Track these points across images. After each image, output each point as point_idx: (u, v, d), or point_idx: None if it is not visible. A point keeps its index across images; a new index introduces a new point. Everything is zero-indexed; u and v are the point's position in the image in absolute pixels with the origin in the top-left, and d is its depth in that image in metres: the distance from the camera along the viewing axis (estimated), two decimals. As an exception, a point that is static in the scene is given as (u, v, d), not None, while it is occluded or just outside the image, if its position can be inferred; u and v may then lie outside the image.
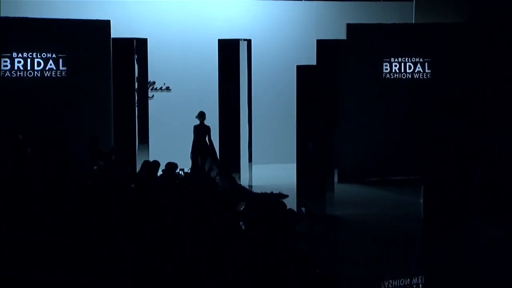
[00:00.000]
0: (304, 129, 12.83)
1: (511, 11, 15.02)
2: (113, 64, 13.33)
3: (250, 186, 13.78)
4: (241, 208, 7.42)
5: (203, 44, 15.59)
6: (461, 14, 15.38)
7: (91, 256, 7.29)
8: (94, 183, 8.63)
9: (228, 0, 16.15)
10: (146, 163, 9.98)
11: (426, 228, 10.52)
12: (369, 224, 11.24)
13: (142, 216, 7.62)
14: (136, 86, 13.59)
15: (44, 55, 12.96)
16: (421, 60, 14.77)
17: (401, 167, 14.40)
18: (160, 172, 9.63)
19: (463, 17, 15.34)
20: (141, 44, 13.63)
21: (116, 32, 13.57)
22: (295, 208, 9.30)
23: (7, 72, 12.78)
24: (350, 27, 14.56)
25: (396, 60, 14.72)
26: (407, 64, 14.75)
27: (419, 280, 9.06)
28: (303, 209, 7.29)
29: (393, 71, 14.73)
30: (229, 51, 13.87)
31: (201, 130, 13.08)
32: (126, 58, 13.45)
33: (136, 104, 13.55)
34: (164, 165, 9.68)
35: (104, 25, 13.28)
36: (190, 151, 12.99)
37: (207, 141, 13.14)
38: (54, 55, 13.00)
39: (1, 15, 13.82)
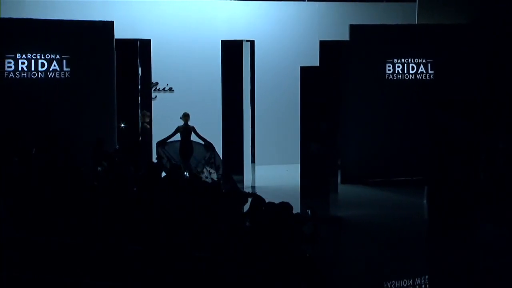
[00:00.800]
0: (307, 130, 12.84)
1: (514, 12, 15.03)
2: (116, 65, 13.35)
3: (253, 187, 13.80)
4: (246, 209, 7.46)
5: (206, 45, 15.62)
6: (464, 15, 15.39)
7: (95, 257, 7.31)
8: (98, 184, 8.65)
9: (231, 1, 16.18)
10: (150, 164, 10.01)
11: (431, 229, 10.51)
12: (373, 225, 11.24)
13: (145, 218, 7.63)
14: (139, 87, 13.61)
15: (48, 56, 12.98)
16: (424, 61, 14.78)
17: (403, 168, 14.40)
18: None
19: (466, 18, 15.35)
20: (144, 45, 13.66)
21: (120, 33, 13.60)
22: (298, 209, 9.32)
23: (11, 73, 12.80)
24: (353, 28, 14.57)
25: (399, 61, 14.73)
26: (410, 65, 14.76)
27: (425, 281, 9.07)
28: (308, 211, 7.30)
29: (396, 72, 14.74)
30: (232, 52, 13.89)
31: (185, 130, 13.19)
32: (129, 59, 13.47)
33: (140, 105, 13.57)
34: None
35: (107, 26, 13.29)
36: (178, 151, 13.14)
37: (199, 138, 13.26)
38: (57, 56, 13.02)
39: (5, 16, 13.85)
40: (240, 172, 13.87)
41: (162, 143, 13.11)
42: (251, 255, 6.41)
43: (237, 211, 7.16)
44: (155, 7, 15.74)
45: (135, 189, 8.81)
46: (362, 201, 12.92)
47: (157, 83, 15.53)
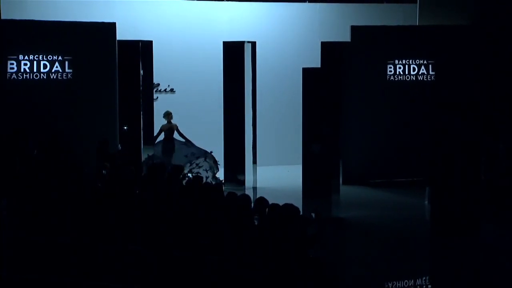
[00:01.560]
0: (309, 131, 12.87)
1: (515, 13, 15.05)
2: (118, 66, 13.37)
3: (255, 188, 13.83)
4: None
5: (208, 46, 15.64)
6: (465, 16, 15.41)
7: (97, 258, 7.32)
8: (103, 186, 8.67)
9: (233, 2, 16.20)
10: (152, 165, 10.01)
11: (433, 230, 10.53)
12: (374, 225, 11.27)
13: (148, 219, 7.65)
14: (141, 88, 13.63)
15: (50, 57, 13.00)
16: (425, 62, 14.81)
17: (405, 169, 14.43)
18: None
19: (467, 19, 15.37)
20: (146, 46, 13.67)
21: (122, 34, 13.62)
22: (300, 210, 9.33)
23: (14, 74, 12.82)
24: (354, 29, 14.60)
25: (400, 62, 14.76)
26: (411, 66, 14.78)
27: (427, 282, 9.09)
28: (313, 214, 7.32)
29: (397, 73, 14.76)
30: (234, 53, 13.92)
31: (169, 129, 13.42)
32: (131, 60, 13.50)
33: (141, 106, 13.60)
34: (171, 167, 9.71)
35: (109, 28, 13.30)
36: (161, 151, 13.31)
37: (180, 136, 13.48)
38: (60, 58, 13.04)
39: (7, 18, 13.87)
40: (242, 173, 13.90)
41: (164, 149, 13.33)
42: (260, 255, 6.42)
43: (245, 211, 7.16)
44: (157, 8, 15.76)
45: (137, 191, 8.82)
46: (364, 202, 12.95)
47: (158, 84, 15.55)
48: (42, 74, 12.97)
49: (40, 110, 12.87)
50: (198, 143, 13.66)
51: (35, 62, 12.92)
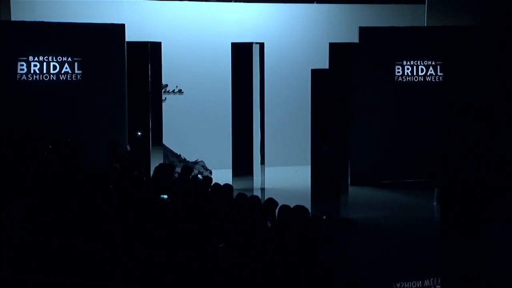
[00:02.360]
0: (318, 132, 12.88)
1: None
2: (127, 67, 13.42)
3: (263, 188, 13.85)
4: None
5: (216, 47, 15.68)
6: (473, 17, 15.40)
7: (107, 260, 7.35)
8: (115, 187, 8.70)
9: (241, 3, 16.22)
10: (160, 166, 10.05)
11: (442, 231, 10.52)
12: (383, 226, 11.27)
13: (157, 220, 7.68)
14: (150, 89, 13.68)
15: (59, 58, 13.07)
16: (433, 63, 14.80)
17: (413, 169, 14.43)
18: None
19: (475, 20, 15.36)
20: (155, 48, 13.72)
21: (131, 35, 13.67)
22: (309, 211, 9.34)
23: (24, 75, 12.89)
24: (363, 30, 14.61)
25: (408, 63, 14.76)
26: (420, 67, 14.78)
27: (437, 283, 9.09)
28: (324, 217, 7.34)
29: (406, 74, 14.76)
30: (242, 54, 13.95)
31: None
32: (140, 61, 13.55)
33: (150, 107, 13.65)
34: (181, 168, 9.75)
35: (119, 29, 13.36)
36: None
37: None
38: (69, 59, 13.11)
39: (17, 19, 13.95)
40: (250, 173, 13.92)
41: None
42: (274, 256, 6.44)
43: (256, 212, 7.19)
44: (165, 10, 15.80)
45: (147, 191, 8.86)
46: (372, 203, 12.95)
47: (166, 85, 15.60)
48: (51, 75, 13.04)
49: (50, 111, 12.95)
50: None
51: (44, 63, 12.99)
